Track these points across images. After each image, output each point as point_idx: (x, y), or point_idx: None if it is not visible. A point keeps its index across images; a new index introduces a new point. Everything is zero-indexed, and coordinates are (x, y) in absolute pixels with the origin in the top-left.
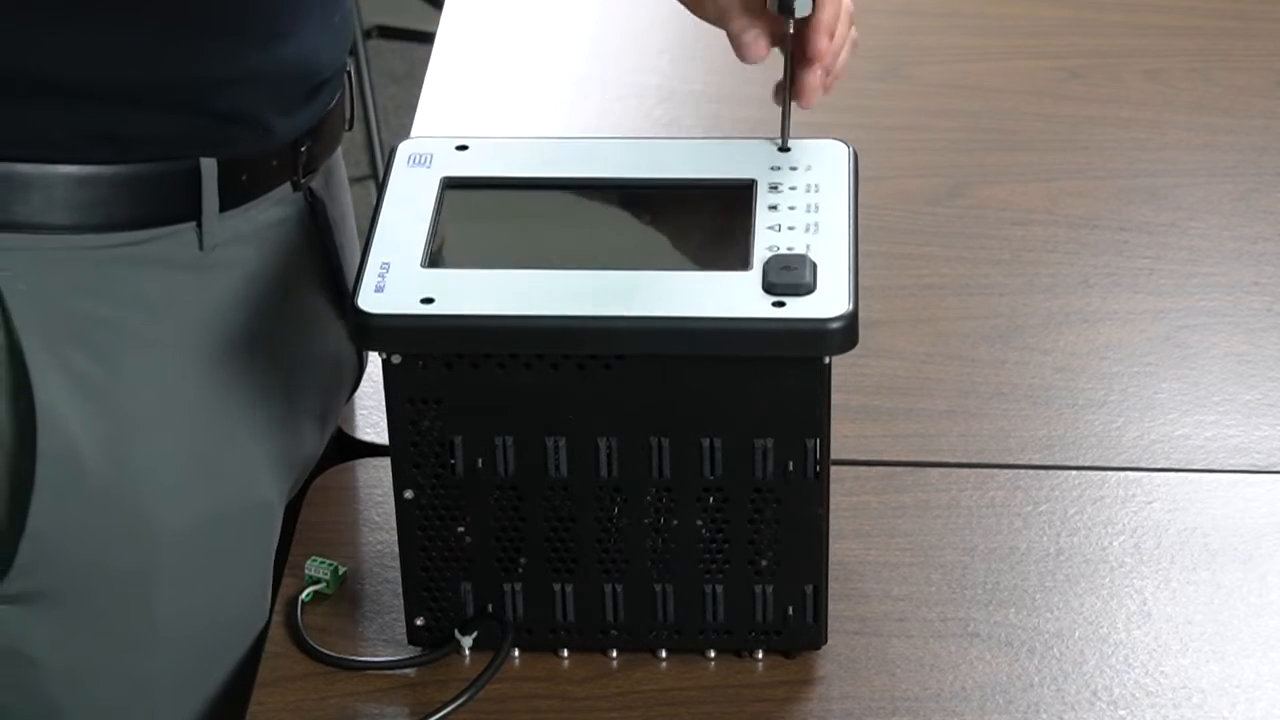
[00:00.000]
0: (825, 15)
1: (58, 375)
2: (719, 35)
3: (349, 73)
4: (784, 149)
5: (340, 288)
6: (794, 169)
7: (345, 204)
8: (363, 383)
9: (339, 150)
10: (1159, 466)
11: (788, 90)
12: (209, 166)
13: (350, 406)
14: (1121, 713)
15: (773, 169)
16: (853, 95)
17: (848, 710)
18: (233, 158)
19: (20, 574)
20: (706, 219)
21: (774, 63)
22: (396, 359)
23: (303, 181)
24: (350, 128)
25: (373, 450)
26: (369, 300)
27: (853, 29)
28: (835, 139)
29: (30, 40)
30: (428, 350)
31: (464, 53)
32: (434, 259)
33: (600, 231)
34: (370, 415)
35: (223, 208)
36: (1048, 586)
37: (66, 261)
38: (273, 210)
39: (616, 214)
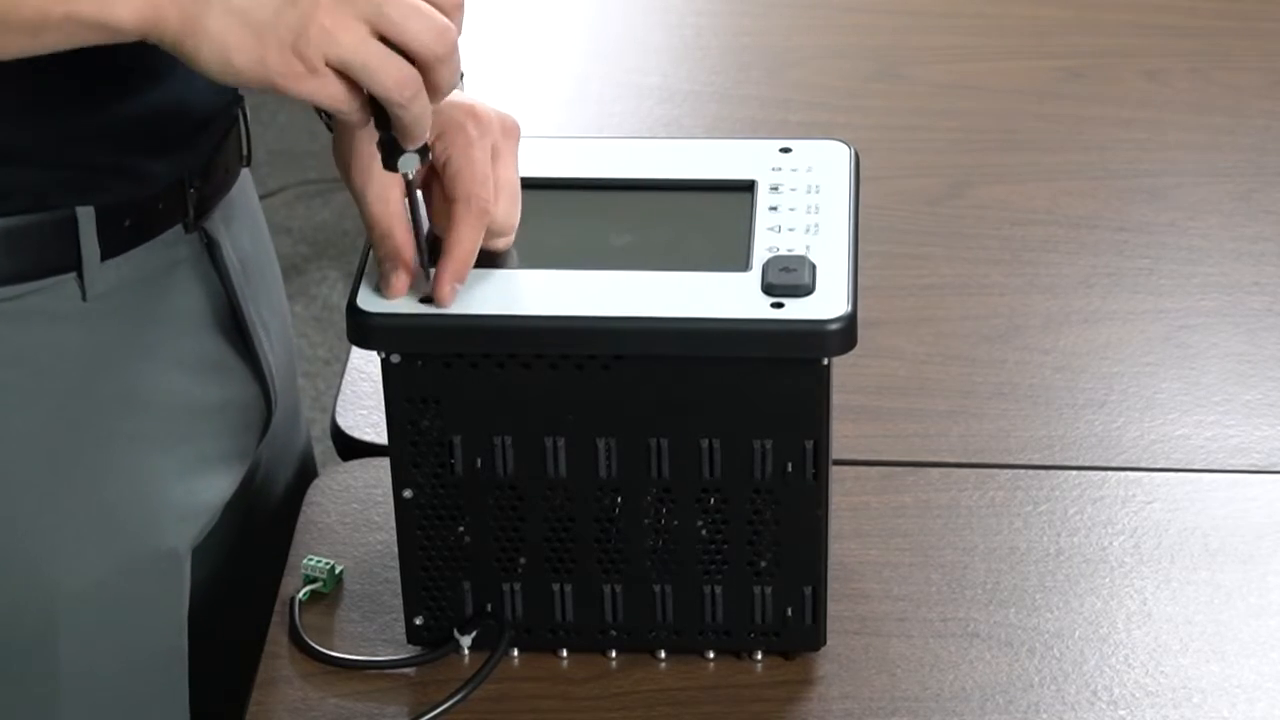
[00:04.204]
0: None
1: None
2: (719, 36)
3: (241, 110)
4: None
5: (243, 329)
6: (794, 170)
7: (253, 241)
8: (362, 383)
9: (246, 187)
10: (1159, 466)
11: (423, 253)
12: (86, 215)
13: (349, 406)
14: (1121, 713)
15: (773, 170)
16: (853, 95)
17: (848, 710)
18: (112, 204)
19: None
20: (706, 219)
21: (774, 62)
22: (395, 359)
23: (195, 223)
24: (248, 164)
25: (372, 450)
26: (368, 300)
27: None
28: (836, 139)
29: None
30: (426, 350)
31: (463, 53)
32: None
33: (600, 231)
34: (370, 415)
35: (105, 255)
36: (1048, 586)
37: None
38: (163, 254)
39: (616, 214)
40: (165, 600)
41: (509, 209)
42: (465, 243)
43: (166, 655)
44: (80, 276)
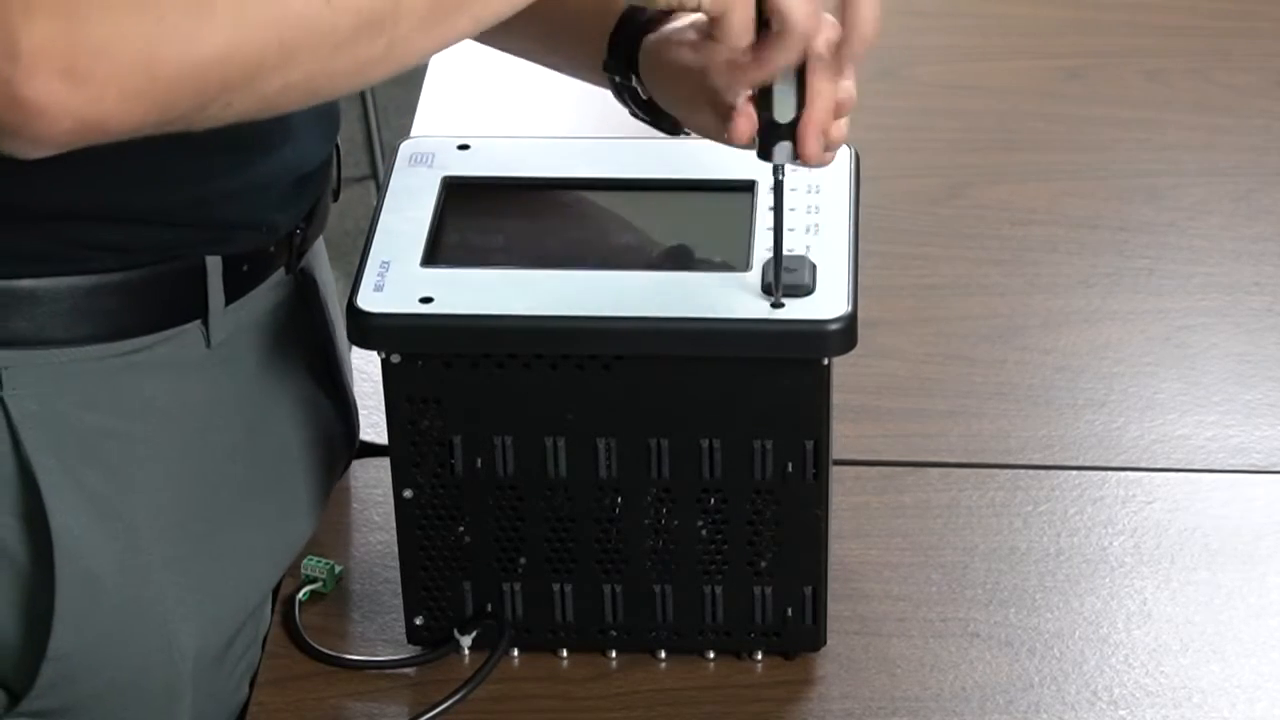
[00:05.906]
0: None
1: (72, 496)
2: None
3: (336, 147)
4: (778, 304)
5: (330, 362)
6: (795, 170)
7: (327, 270)
8: (362, 383)
9: None
10: (1159, 466)
11: (779, 243)
12: (214, 264)
13: None
14: (1121, 713)
15: None
16: None
17: (848, 710)
18: (235, 253)
19: (42, 693)
20: (707, 219)
21: None
22: (396, 358)
23: (297, 265)
24: (336, 199)
25: (372, 450)
26: (368, 299)
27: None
28: None
29: (38, 171)
30: (427, 350)
31: (464, 52)
32: (433, 258)
33: (600, 231)
34: (370, 415)
35: (227, 301)
36: (1048, 586)
37: (75, 375)
38: (269, 296)
39: (616, 214)
40: (256, 644)
41: (870, 13)
42: (823, 94)
43: (239, 701)
44: (205, 324)
